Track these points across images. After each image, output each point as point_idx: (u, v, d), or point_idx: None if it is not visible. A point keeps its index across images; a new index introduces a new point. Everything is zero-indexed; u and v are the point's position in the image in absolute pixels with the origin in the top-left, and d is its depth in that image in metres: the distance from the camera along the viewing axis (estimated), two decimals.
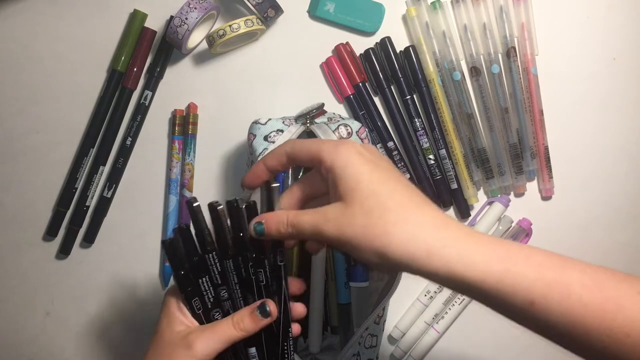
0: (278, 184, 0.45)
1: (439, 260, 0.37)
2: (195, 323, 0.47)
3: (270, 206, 0.45)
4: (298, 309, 0.50)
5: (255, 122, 0.55)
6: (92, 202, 0.64)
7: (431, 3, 0.62)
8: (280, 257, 0.47)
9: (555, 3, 0.63)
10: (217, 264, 0.47)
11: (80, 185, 0.63)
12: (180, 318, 0.46)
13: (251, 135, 0.55)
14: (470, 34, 0.62)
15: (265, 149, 0.53)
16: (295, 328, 0.49)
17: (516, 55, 0.61)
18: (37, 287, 0.65)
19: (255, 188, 0.47)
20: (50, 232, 0.64)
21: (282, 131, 0.54)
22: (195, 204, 0.46)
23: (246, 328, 0.46)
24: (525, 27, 0.61)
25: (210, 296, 0.47)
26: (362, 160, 0.40)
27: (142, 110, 0.63)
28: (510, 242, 0.39)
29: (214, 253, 0.47)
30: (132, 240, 0.64)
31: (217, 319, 0.47)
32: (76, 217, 0.64)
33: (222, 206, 0.46)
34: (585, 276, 0.37)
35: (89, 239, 0.64)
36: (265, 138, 0.53)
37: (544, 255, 0.38)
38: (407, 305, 0.64)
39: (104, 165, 0.64)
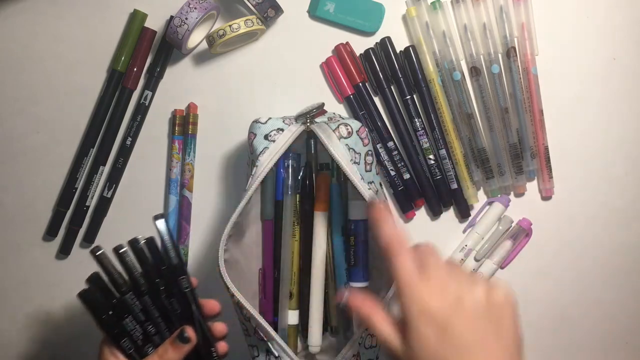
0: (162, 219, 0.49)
1: None
2: None
3: None
4: (218, 327, 0.52)
5: (256, 121, 0.55)
6: (92, 202, 0.64)
7: (431, 3, 0.62)
8: (184, 284, 0.50)
9: (555, 3, 0.63)
10: (136, 301, 0.49)
11: (80, 185, 0.63)
12: None
13: (251, 134, 0.55)
14: (470, 34, 0.62)
15: (265, 147, 0.53)
16: (221, 347, 0.52)
17: (516, 55, 0.61)
18: (37, 287, 0.65)
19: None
20: (50, 232, 0.64)
21: (282, 130, 0.54)
22: (98, 252, 0.49)
23: (171, 358, 0.48)
24: (525, 27, 0.61)
25: (139, 333, 0.50)
26: (436, 333, 0.39)
27: (142, 110, 0.63)
28: None
29: (130, 292, 0.49)
30: None
31: (149, 354, 0.50)
32: (76, 217, 0.64)
33: (124, 248, 0.49)
34: None
35: (89, 239, 0.64)
36: (266, 137, 0.53)
37: None
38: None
39: (104, 165, 0.64)
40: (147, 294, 0.50)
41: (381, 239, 0.43)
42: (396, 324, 0.42)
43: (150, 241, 0.49)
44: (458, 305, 0.40)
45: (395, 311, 0.43)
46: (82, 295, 0.49)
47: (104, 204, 0.64)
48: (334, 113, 0.58)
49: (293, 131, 0.53)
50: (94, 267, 0.64)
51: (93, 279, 0.49)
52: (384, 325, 0.42)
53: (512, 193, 0.64)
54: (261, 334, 0.53)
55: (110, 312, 0.49)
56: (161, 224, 0.49)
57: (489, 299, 0.40)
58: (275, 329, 0.56)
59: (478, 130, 0.62)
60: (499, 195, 0.63)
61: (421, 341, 0.39)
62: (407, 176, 0.63)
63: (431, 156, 0.62)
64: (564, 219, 0.64)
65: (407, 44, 0.63)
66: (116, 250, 0.49)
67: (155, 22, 0.63)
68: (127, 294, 0.49)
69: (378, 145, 0.62)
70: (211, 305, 0.52)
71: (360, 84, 0.63)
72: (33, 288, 0.65)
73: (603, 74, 0.63)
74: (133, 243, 0.49)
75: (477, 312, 0.40)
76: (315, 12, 0.63)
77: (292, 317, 0.57)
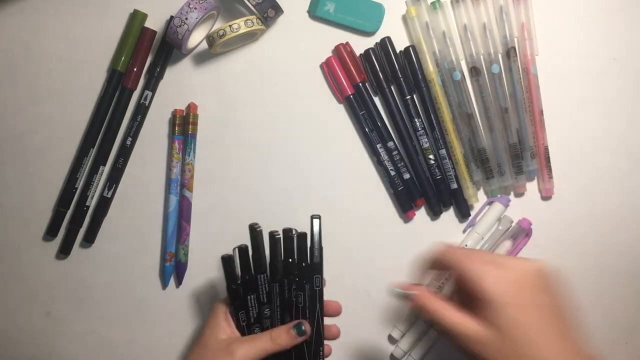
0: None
1: None
2: (237, 334, 0.54)
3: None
4: (333, 330, 0.58)
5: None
6: (92, 202, 0.64)
7: (431, 3, 0.62)
8: (317, 283, 0.54)
9: (555, 3, 0.63)
10: (266, 284, 0.54)
11: (80, 185, 0.63)
12: (225, 328, 0.53)
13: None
14: (470, 34, 0.62)
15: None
16: (327, 349, 0.57)
17: (516, 55, 0.61)
18: (37, 287, 0.65)
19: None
20: (50, 232, 0.64)
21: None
22: (258, 229, 0.53)
23: (282, 343, 0.52)
24: (525, 27, 0.61)
25: (255, 312, 0.55)
26: (514, 297, 0.42)
27: (142, 110, 0.63)
28: None
29: (265, 274, 0.54)
30: (132, 240, 0.64)
31: (256, 333, 0.55)
32: (76, 217, 0.64)
33: (279, 234, 0.54)
34: None
35: (89, 239, 0.64)
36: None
37: None
38: (407, 305, 0.64)
39: (104, 165, 0.64)
40: (279, 282, 0.54)
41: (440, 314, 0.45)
42: (465, 319, 0.44)
43: (301, 236, 0.54)
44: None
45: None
46: (225, 259, 0.53)
47: (104, 204, 0.64)
48: None
49: None
50: (93, 267, 0.65)
51: (241, 249, 0.53)
52: (455, 319, 0.44)
53: (512, 193, 0.64)
54: None
55: (240, 284, 0.54)
56: (317, 224, 0.53)
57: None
58: None
59: (478, 130, 0.62)
60: (498, 195, 0.63)
61: (517, 324, 0.41)
62: (407, 176, 0.63)
63: (431, 156, 0.62)
64: (564, 219, 0.64)
65: (407, 44, 0.63)
66: (271, 234, 0.53)
67: (155, 22, 0.63)
68: (262, 275, 0.54)
69: (378, 145, 0.62)
70: (334, 306, 0.58)
71: (360, 84, 0.63)
72: (33, 288, 0.65)
73: (603, 74, 0.63)
74: (286, 232, 0.53)
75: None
76: (315, 12, 0.63)
77: None
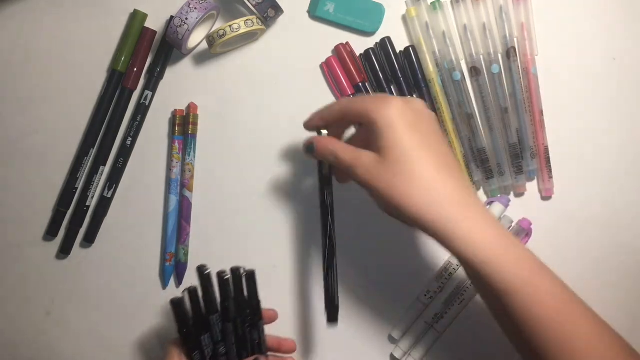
0: (326, 132, 0.53)
1: (443, 233, 0.43)
2: None
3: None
4: (289, 344, 0.60)
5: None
6: (92, 202, 0.64)
7: (431, 3, 0.62)
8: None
9: (555, 3, 0.63)
10: (219, 324, 0.54)
11: (80, 185, 0.63)
12: None
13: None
14: (470, 34, 0.62)
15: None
16: None
17: (516, 55, 0.61)
18: (37, 287, 0.65)
19: (312, 131, 0.54)
20: (50, 232, 0.64)
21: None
22: (206, 272, 0.53)
23: None
24: (525, 27, 0.61)
25: (209, 351, 0.54)
26: (403, 123, 0.45)
27: (142, 110, 0.63)
28: (507, 234, 0.44)
29: (217, 315, 0.53)
30: (132, 240, 0.64)
31: None
32: (76, 217, 0.64)
33: (228, 275, 0.53)
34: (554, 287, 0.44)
35: (89, 239, 0.64)
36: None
37: (529, 259, 0.44)
38: (407, 305, 0.64)
39: (104, 165, 0.64)
40: (233, 321, 0.54)
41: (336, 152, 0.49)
42: (354, 150, 0.47)
43: (250, 275, 0.54)
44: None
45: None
46: (174, 303, 0.53)
47: (104, 204, 0.64)
48: None
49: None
50: (93, 267, 0.65)
51: (190, 292, 0.53)
52: (347, 151, 0.47)
53: (512, 193, 0.64)
54: None
55: (193, 326, 0.53)
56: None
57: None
58: None
59: (478, 130, 0.62)
60: (498, 195, 0.63)
61: (396, 139, 0.45)
62: None
63: None
64: (564, 219, 0.64)
65: (407, 44, 0.63)
66: (219, 274, 0.53)
67: (155, 22, 0.63)
68: (214, 315, 0.53)
69: None
70: (270, 315, 0.59)
71: (360, 84, 0.63)
72: (33, 288, 0.65)
73: (603, 74, 0.63)
74: (235, 272, 0.53)
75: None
76: (315, 12, 0.63)
77: None
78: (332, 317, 0.54)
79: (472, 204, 0.44)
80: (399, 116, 0.45)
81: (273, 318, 0.59)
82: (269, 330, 0.59)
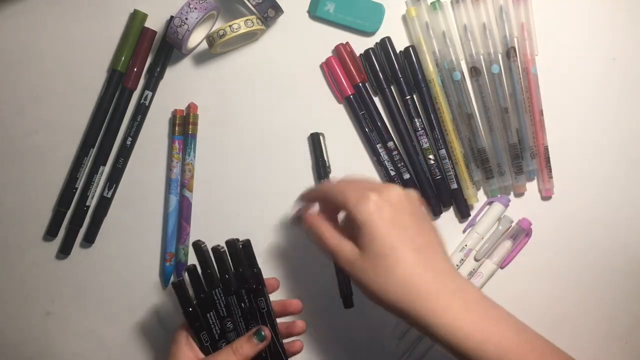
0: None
1: (425, 327, 0.44)
2: (201, 355, 0.53)
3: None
4: (299, 325, 0.57)
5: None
6: (92, 202, 0.64)
7: (431, 3, 0.62)
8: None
9: (555, 3, 0.63)
10: (223, 298, 0.53)
11: (80, 185, 0.63)
12: (187, 353, 0.52)
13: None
14: (470, 34, 0.62)
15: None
16: (297, 345, 0.57)
17: (516, 55, 0.61)
18: (37, 287, 0.65)
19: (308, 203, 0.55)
20: (50, 232, 0.64)
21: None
22: (202, 245, 0.52)
23: (245, 353, 0.52)
24: (525, 27, 0.61)
25: (217, 328, 0.53)
26: (381, 219, 0.45)
27: (142, 110, 0.63)
28: (489, 314, 0.45)
29: (219, 289, 0.53)
30: (132, 240, 0.64)
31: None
32: (76, 217, 0.64)
33: (223, 248, 0.53)
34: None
35: (89, 239, 0.64)
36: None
37: (512, 335, 0.44)
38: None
39: (104, 165, 0.64)
40: (235, 294, 0.53)
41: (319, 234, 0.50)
42: (340, 239, 0.48)
43: (247, 244, 0.53)
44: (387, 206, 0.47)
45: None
46: (176, 285, 0.52)
47: (104, 204, 0.64)
48: None
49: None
50: (93, 267, 0.65)
51: (190, 270, 0.53)
52: (332, 239, 0.48)
53: (512, 193, 0.64)
54: None
55: (197, 305, 0.53)
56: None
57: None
58: None
59: (478, 130, 0.62)
60: (498, 195, 0.63)
61: (374, 236, 0.45)
62: (407, 176, 0.63)
63: (431, 156, 0.62)
64: (564, 219, 0.64)
65: (407, 44, 0.63)
66: (215, 248, 0.52)
67: (155, 22, 0.63)
68: (216, 290, 0.53)
69: (378, 145, 0.62)
70: (294, 304, 0.57)
71: (360, 84, 0.63)
72: (33, 288, 0.65)
73: (603, 74, 0.63)
74: (231, 243, 0.53)
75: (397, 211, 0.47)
76: (315, 12, 0.63)
77: None
78: (348, 303, 0.61)
79: (451, 292, 0.45)
80: (376, 212, 0.46)
81: (275, 287, 0.58)
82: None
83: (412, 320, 0.44)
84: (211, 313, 0.53)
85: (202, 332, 0.53)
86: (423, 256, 0.45)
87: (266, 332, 0.53)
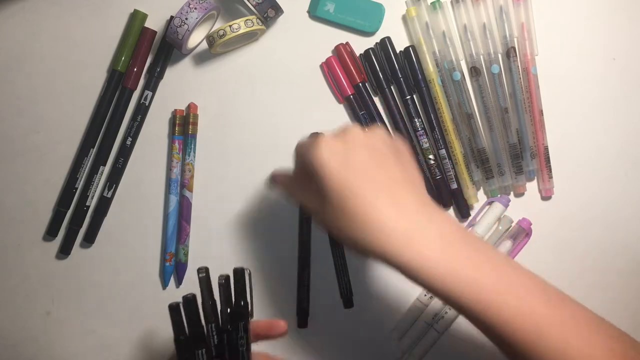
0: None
1: (398, 265, 0.42)
2: None
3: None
4: (280, 325, 0.52)
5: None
6: (92, 202, 0.64)
7: (431, 3, 0.62)
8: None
9: (555, 3, 0.63)
10: (215, 336, 0.48)
11: (80, 185, 0.63)
12: None
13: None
14: (470, 34, 0.62)
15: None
16: (280, 325, 0.52)
17: (516, 55, 0.61)
18: (37, 287, 0.65)
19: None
20: (50, 232, 0.64)
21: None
22: (201, 275, 0.48)
23: None
24: (525, 27, 0.61)
25: None
26: (333, 161, 0.44)
27: (142, 110, 0.63)
28: (461, 245, 0.43)
29: (213, 325, 0.48)
30: (132, 240, 0.64)
31: None
32: (76, 217, 0.64)
33: (225, 277, 0.48)
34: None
35: (89, 239, 0.64)
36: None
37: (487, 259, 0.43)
38: (407, 305, 0.64)
39: (104, 165, 0.64)
40: (229, 333, 0.48)
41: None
42: (309, 196, 0.47)
43: (249, 274, 0.49)
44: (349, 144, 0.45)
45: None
46: (173, 308, 0.48)
47: (104, 204, 0.64)
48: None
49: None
50: (93, 267, 0.65)
51: (188, 300, 0.48)
52: (303, 192, 0.48)
53: (512, 193, 0.64)
54: None
55: (189, 336, 0.48)
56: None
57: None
58: None
59: (478, 130, 0.62)
60: (498, 195, 0.63)
61: (329, 179, 0.44)
62: None
63: (431, 156, 0.62)
64: (564, 219, 0.64)
65: (407, 44, 0.63)
66: (220, 280, 0.48)
67: (155, 22, 0.63)
68: (210, 325, 0.48)
69: None
70: (280, 326, 0.52)
71: (360, 84, 0.63)
72: (33, 288, 0.65)
73: (603, 74, 0.63)
74: (239, 272, 0.48)
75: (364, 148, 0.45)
76: (315, 12, 0.63)
77: None
78: (348, 303, 0.62)
79: (421, 227, 0.42)
80: (327, 155, 0.44)
81: (281, 330, 0.52)
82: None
83: (389, 262, 0.42)
84: (203, 350, 0.48)
85: None
86: (386, 194, 0.43)
87: None
